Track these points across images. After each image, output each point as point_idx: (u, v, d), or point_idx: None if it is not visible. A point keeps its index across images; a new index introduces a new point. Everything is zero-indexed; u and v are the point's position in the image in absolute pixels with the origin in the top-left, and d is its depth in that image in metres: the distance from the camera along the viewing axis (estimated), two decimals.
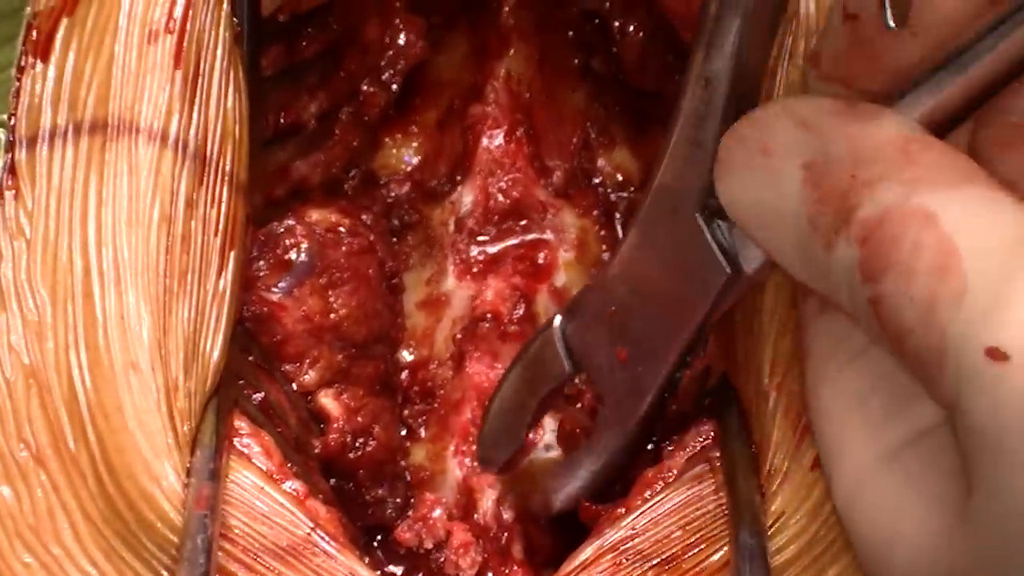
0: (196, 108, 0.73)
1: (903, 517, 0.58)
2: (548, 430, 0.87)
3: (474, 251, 0.91)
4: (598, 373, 0.73)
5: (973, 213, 0.51)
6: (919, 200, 0.52)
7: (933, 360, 0.51)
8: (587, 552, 0.73)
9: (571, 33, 0.95)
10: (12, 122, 0.73)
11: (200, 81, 0.74)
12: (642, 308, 0.70)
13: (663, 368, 0.71)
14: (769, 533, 0.69)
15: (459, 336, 0.89)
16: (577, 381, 0.78)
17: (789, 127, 0.58)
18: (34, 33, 0.74)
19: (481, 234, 0.92)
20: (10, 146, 0.73)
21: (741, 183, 0.61)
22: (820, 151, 0.56)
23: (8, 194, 0.72)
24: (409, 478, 0.88)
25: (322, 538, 0.71)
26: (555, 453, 0.87)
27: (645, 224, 0.68)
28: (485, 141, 0.92)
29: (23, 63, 0.73)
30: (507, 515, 0.85)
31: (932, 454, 0.57)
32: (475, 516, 0.85)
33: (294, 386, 0.82)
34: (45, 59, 0.73)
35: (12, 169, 0.72)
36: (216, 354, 0.73)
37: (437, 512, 0.85)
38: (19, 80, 0.73)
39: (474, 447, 0.86)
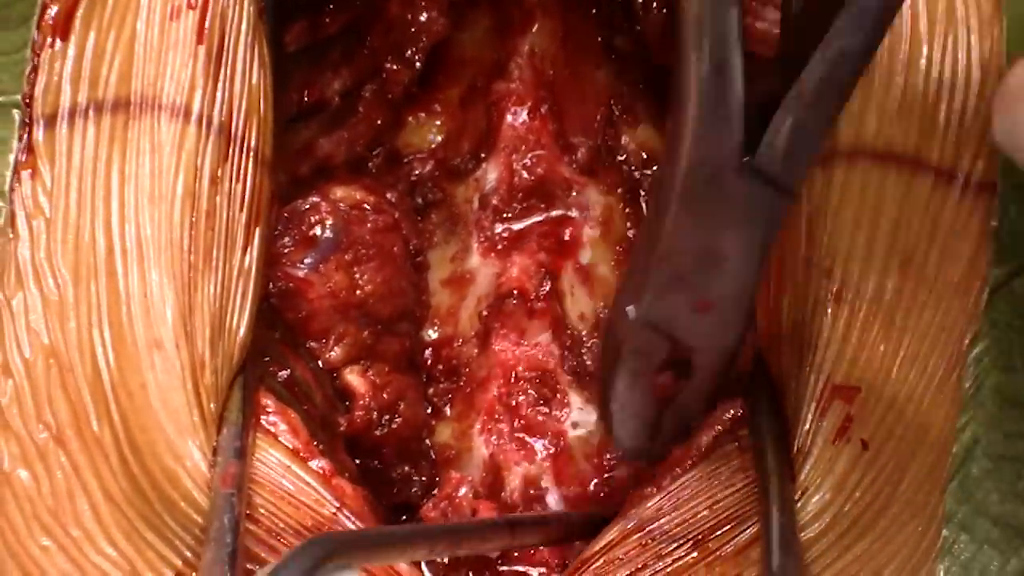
0: (220, 84, 0.73)
1: None
2: (575, 407, 0.87)
3: (499, 228, 0.91)
4: (686, 332, 0.73)
5: None
6: None
7: None
8: (612, 533, 0.73)
9: (594, 10, 0.94)
10: (28, 102, 0.73)
11: (224, 56, 0.73)
12: (711, 262, 0.70)
13: (747, 300, 0.72)
14: None
15: (485, 313, 0.89)
16: None
17: None
18: (50, 12, 0.73)
19: (505, 211, 0.91)
20: (27, 126, 0.72)
21: None
22: None
23: (24, 173, 0.72)
24: (435, 456, 0.88)
25: (348, 518, 0.71)
26: (583, 431, 0.87)
27: (685, 199, 0.68)
28: (509, 118, 0.92)
29: (40, 42, 0.73)
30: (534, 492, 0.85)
31: None
32: (502, 494, 0.85)
33: (320, 363, 0.82)
34: (65, 38, 0.73)
35: (29, 148, 0.72)
36: (242, 331, 0.73)
37: (463, 491, 0.85)
38: (35, 59, 0.73)
39: (500, 425, 0.86)
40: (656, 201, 0.72)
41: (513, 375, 0.86)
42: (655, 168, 0.93)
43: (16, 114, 0.74)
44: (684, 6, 0.64)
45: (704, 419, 0.77)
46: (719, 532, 0.70)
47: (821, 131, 0.65)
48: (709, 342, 0.73)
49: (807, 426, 0.70)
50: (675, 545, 0.71)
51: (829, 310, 0.71)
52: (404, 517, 0.86)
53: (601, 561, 0.72)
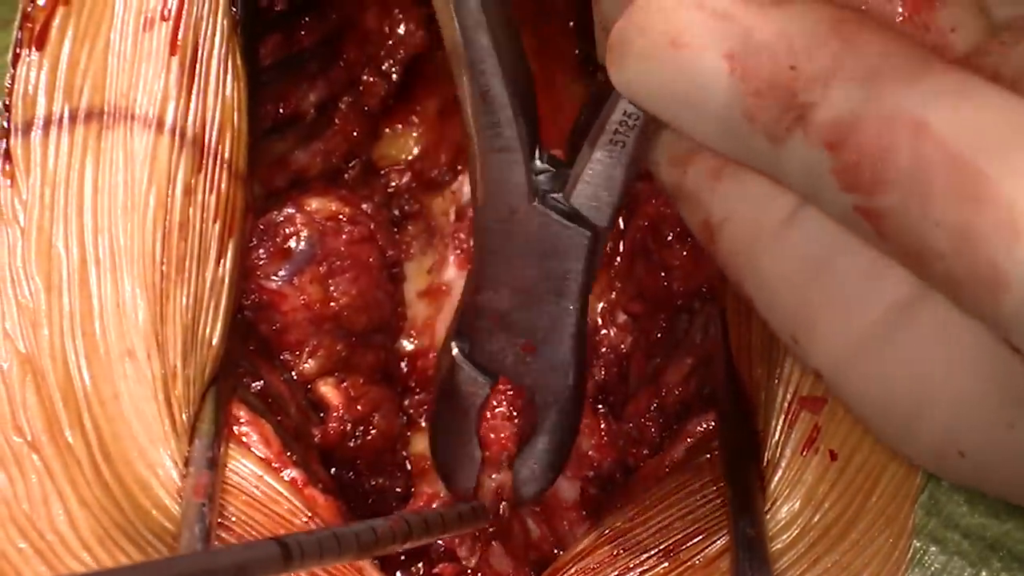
0: (194, 95, 0.73)
1: (931, 377, 0.54)
2: None
3: None
4: (515, 371, 0.73)
5: (964, 114, 0.48)
6: (893, 103, 0.49)
7: (983, 287, 0.48)
8: (585, 542, 0.73)
9: (571, 23, 0.94)
10: (7, 109, 0.73)
11: (198, 68, 0.74)
12: (527, 300, 0.70)
13: (569, 339, 0.71)
14: None
15: None
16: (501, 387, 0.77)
17: (701, 18, 0.54)
18: (30, 21, 0.73)
19: None
20: (4, 133, 0.73)
21: (645, 73, 0.57)
22: (743, 40, 0.53)
23: (2, 181, 0.72)
24: (410, 467, 0.88)
25: (318, 527, 0.71)
26: None
27: (489, 236, 0.68)
28: None
29: (18, 50, 0.73)
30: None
31: (952, 307, 0.53)
32: None
33: (294, 375, 0.82)
34: (41, 47, 0.73)
35: (7, 156, 0.72)
36: (215, 341, 0.73)
37: (435, 506, 0.85)
38: (14, 67, 0.73)
39: None
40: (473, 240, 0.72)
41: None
42: None
43: None
44: (443, 34, 0.64)
45: (677, 432, 0.77)
46: (690, 543, 0.70)
47: (627, 169, 0.64)
48: (544, 382, 0.73)
49: (776, 437, 0.70)
50: (646, 555, 0.71)
51: None
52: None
53: (573, 570, 0.72)
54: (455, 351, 0.73)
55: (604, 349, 0.88)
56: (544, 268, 0.68)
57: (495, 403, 0.73)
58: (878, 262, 0.54)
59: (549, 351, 0.71)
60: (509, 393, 0.73)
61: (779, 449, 0.70)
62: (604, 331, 0.88)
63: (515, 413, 0.73)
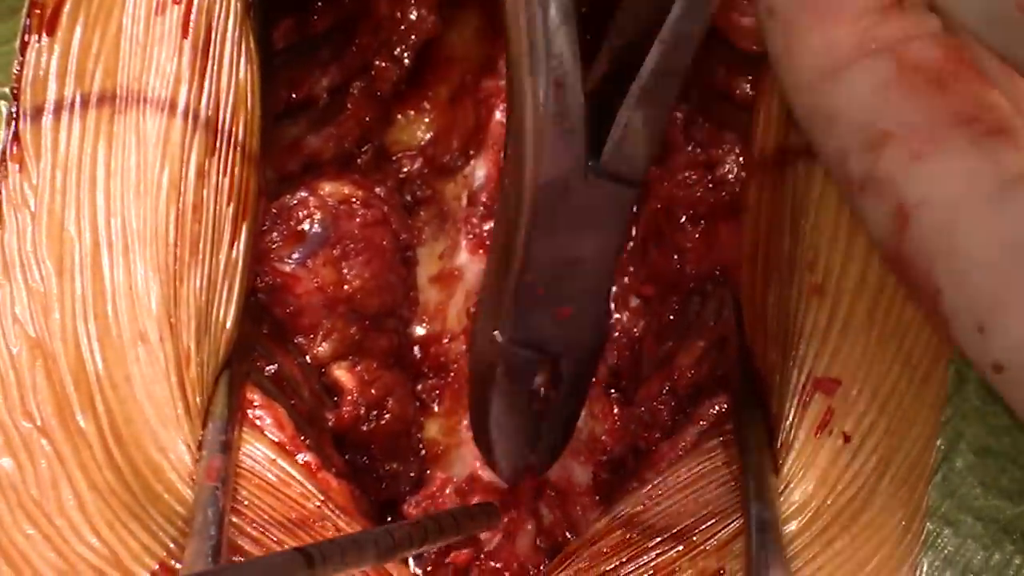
0: (206, 78, 0.73)
1: None
2: None
3: (487, 226, 0.91)
4: (552, 342, 0.74)
5: None
6: None
7: None
8: (597, 527, 0.73)
9: (583, 9, 0.94)
10: (16, 95, 0.73)
11: (210, 51, 0.74)
12: (570, 271, 0.70)
13: (601, 300, 0.73)
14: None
15: (472, 310, 0.89)
16: None
17: None
18: (39, 7, 0.74)
19: (494, 209, 0.91)
20: (13, 118, 0.73)
21: None
22: None
23: (12, 166, 0.72)
24: (423, 452, 0.88)
25: (332, 511, 0.71)
26: None
27: (536, 216, 0.69)
28: (498, 115, 0.92)
29: (27, 36, 0.73)
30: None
31: None
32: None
33: (307, 358, 0.82)
34: (51, 32, 0.73)
35: (16, 141, 0.72)
36: (229, 324, 0.73)
37: (448, 490, 0.85)
38: (23, 53, 0.73)
39: None
40: (503, 224, 0.72)
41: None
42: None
43: (4, 106, 0.75)
44: (513, 27, 0.64)
45: (690, 415, 0.77)
46: (703, 526, 0.70)
47: (664, 118, 0.65)
48: (573, 346, 0.74)
49: (790, 419, 0.70)
50: (659, 539, 0.71)
51: (812, 303, 0.71)
52: (389, 518, 0.86)
53: (586, 554, 0.72)
54: (500, 339, 0.73)
55: (617, 333, 0.88)
56: (591, 237, 0.69)
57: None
58: None
59: (583, 314, 0.72)
60: None
61: (792, 432, 0.69)
62: (617, 315, 0.88)
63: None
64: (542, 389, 0.75)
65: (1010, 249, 0.55)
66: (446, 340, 0.90)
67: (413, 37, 0.90)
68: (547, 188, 0.67)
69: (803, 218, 0.72)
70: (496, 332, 0.73)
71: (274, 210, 0.81)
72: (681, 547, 0.70)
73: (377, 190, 0.88)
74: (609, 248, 0.70)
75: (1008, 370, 0.55)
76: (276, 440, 0.72)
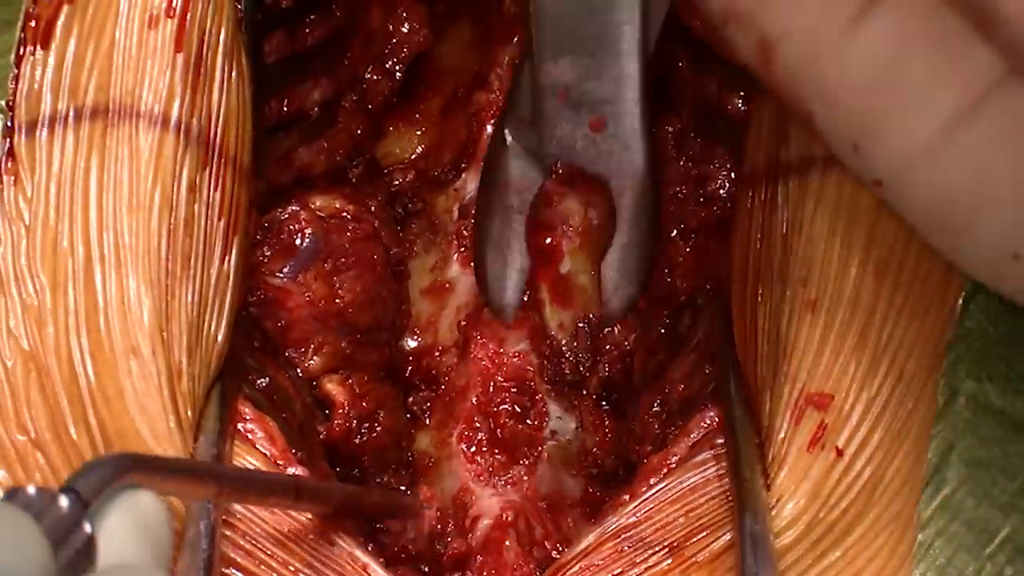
0: (198, 92, 0.73)
1: (990, 179, 0.56)
2: (554, 416, 0.87)
3: None
4: (586, 157, 0.74)
5: None
6: None
7: None
8: (589, 539, 0.73)
9: None
10: (11, 108, 0.73)
11: (202, 65, 0.74)
12: (588, 68, 0.71)
13: (635, 107, 0.73)
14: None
15: (463, 323, 0.89)
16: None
17: None
18: (34, 20, 0.74)
19: None
20: (9, 131, 0.73)
21: None
22: None
23: (7, 179, 0.72)
24: (413, 464, 0.88)
25: (324, 524, 0.71)
26: (561, 439, 0.87)
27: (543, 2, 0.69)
28: (489, 128, 0.92)
29: (22, 50, 0.74)
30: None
31: (1012, 112, 0.55)
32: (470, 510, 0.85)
33: (299, 372, 0.82)
34: (45, 46, 0.73)
35: (11, 154, 0.73)
36: (220, 338, 0.73)
37: (431, 509, 0.85)
38: (18, 66, 0.73)
39: (478, 433, 0.86)
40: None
41: (492, 384, 0.86)
42: None
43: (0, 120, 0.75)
44: None
45: (681, 428, 0.77)
46: (695, 539, 0.70)
47: None
48: (618, 164, 0.74)
49: (782, 434, 0.70)
50: (650, 552, 0.71)
51: (804, 318, 0.71)
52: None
53: (577, 567, 0.72)
54: (508, 138, 0.73)
55: (608, 346, 0.88)
56: (599, 24, 0.69)
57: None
58: (942, 68, 0.55)
59: (618, 125, 0.72)
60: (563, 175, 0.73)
61: (785, 446, 0.70)
62: (608, 328, 0.88)
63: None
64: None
65: (872, 72, 0.57)
66: (437, 353, 0.90)
67: (405, 51, 0.90)
68: None
69: (796, 234, 0.72)
70: (507, 130, 0.73)
71: (265, 224, 0.81)
72: (672, 560, 0.70)
73: (368, 204, 0.88)
74: (628, 45, 0.70)
75: (886, 184, 0.59)
76: (267, 453, 0.72)
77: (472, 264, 0.87)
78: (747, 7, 0.61)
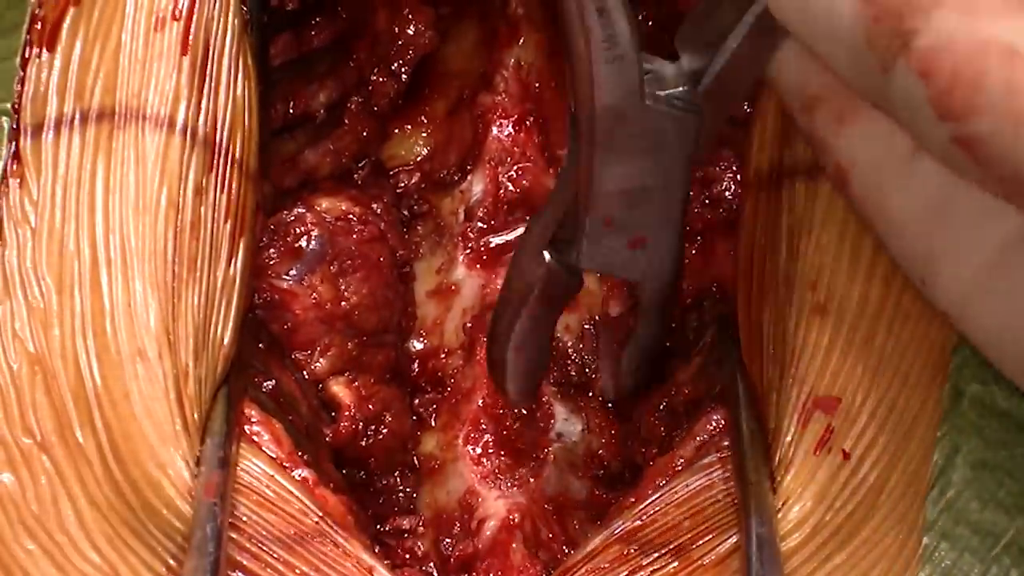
0: (205, 95, 0.74)
1: None
2: (560, 418, 0.87)
3: (484, 240, 0.91)
4: (625, 270, 0.76)
5: None
6: (988, 32, 0.50)
7: None
8: (595, 542, 0.73)
9: None
10: (16, 110, 0.73)
11: (208, 68, 0.74)
12: (637, 199, 0.72)
13: (675, 226, 0.75)
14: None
15: (469, 325, 0.89)
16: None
17: None
18: (39, 22, 0.74)
19: (491, 223, 0.91)
20: (14, 134, 0.73)
21: None
22: None
23: (12, 182, 0.72)
24: (419, 467, 0.88)
25: (330, 527, 0.71)
26: (566, 442, 0.87)
27: (599, 142, 0.70)
28: (495, 130, 0.92)
29: (27, 52, 0.74)
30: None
31: None
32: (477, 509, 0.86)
33: (305, 374, 0.82)
34: (51, 48, 0.74)
35: (17, 157, 0.73)
36: (226, 341, 0.73)
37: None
38: (24, 69, 0.74)
39: (484, 435, 0.86)
40: (571, 149, 0.73)
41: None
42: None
43: (5, 122, 0.75)
44: None
45: (687, 430, 0.77)
46: (700, 542, 0.70)
47: (774, 48, 0.66)
48: (651, 274, 0.76)
49: (788, 437, 0.70)
50: (656, 555, 0.71)
51: (813, 322, 0.71)
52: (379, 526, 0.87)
53: (583, 570, 0.72)
54: (547, 256, 0.75)
55: (616, 346, 0.88)
56: (655, 164, 0.71)
57: None
58: (990, 199, 0.56)
59: (657, 242, 0.74)
60: None
61: (792, 449, 0.70)
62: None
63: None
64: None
65: (929, 208, 0.60)
66: (443, 355, 0.90)
67: (411, 52, 0.90)
68: (605, 114, 0.68)
69: (805, 238, 0.72)
70: (546, 252, 0.74)
71: (271, 226, 0.81)
72: (678, 563, 0.70)
73: (374, 206, 0.88)
74: (675, 175, 0.72)
75: (952, 317, 0.61)
76: (274, 456, 0.72)
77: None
78: (824, 135, 0.64)
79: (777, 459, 0.70)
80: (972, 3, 0.51)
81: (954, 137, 0.52)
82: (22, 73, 0.74)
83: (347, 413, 0.82)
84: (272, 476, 0.71)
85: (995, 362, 0.60)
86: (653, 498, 0.73)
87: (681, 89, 0.69)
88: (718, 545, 0.70)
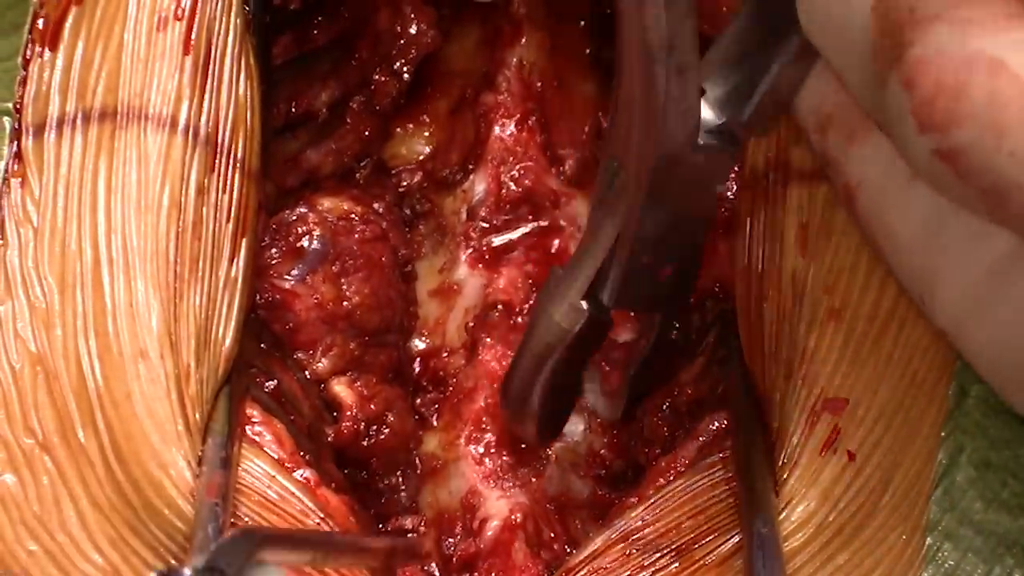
0: (207, 95, 0.74)
1: None
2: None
3: (486, 240, 0.91)
4: (650, 303, 0.77)
5: None
6: (976, 46, 0.50)
7: None
8: (596, 543, 0.73)
9: (582, 23, 0.95)
10: (18, 110, 0.73)
11: (211, 68, 0.74)
12: (674, 234, 0.73)
13: (698, 252, 0.75)
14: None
15: (471, 325, 0.89)
16: None
17: None
18: (41, 22, 0.74)
19: (493, 223, 0.91)
20: (16, 134, 0.73)
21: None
22: None
23: (14, 182, 0.72)
24: (420, 467, 0.88)
25: (332, 528, 0.71)
26: (568, 441, 0.87)
27: (652, 189, 0.70)
28: (497, 130, 0.92)
29: (29, 52, 0.74)
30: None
31: None
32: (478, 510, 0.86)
33: (307, 374, 0.82)
34: (54, 48, 0.74)
35: (19, 156, 0.73)
36: (228, 341, 0.73)
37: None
38: (26, 68, 0.74)
39: (486, 435, 0.86)
40: (602, 199, 0.73)
41: (499, 385, 0.86)
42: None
43: (7, 122, 0.75)
44: (630, 14, 0.65)
45: (690, 431, 0.77)
46: (702, 542, 0.70)
47: (798, 87, 0.67)
48: (671, 303, 0.77)
49: (795, 438, 0.70)
50: (658, 555, 0.71)
51: (828, 325, 0.71)
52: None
53: (585, 571, 0.72)
54: (587, 309, 0.75)
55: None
56: (695, 199, 0.72)
57: None
58: (977, 225, 0.57)
59: (684, 272, 0.75)
60: None
61: (798, 450, 0.70)
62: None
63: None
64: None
65: (927, 229, 0.60)
66: (445, 354, 0.90)
67: (413, 51, 0.90)
68: (660, 163, 0.68)
69: (823, 241, 0.72)
70: (583, 302, 0.74)
71: (273, 226, 0.81)
72: (680, 563, 0.70)
73: (376, 205, 0.88)
74: (707, 204, 0.73)
75: (951, 336, 0.61)
76: (275, 456, 0.72)
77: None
78: (835, 154, 0.65)
79: (781, 459, 0.70)
80: (967, 18, 0.51)
81: (936, 150, 0.51)
82: (24, 72, 0.74)
83: (349, 413, 0.82)
84: (274, 476, 0.71)
85: (989, 381, 0.60)
86: (655, 498, 0.73)
87: (719, 123, 0.69)
88: (720, 545, 0.70)
